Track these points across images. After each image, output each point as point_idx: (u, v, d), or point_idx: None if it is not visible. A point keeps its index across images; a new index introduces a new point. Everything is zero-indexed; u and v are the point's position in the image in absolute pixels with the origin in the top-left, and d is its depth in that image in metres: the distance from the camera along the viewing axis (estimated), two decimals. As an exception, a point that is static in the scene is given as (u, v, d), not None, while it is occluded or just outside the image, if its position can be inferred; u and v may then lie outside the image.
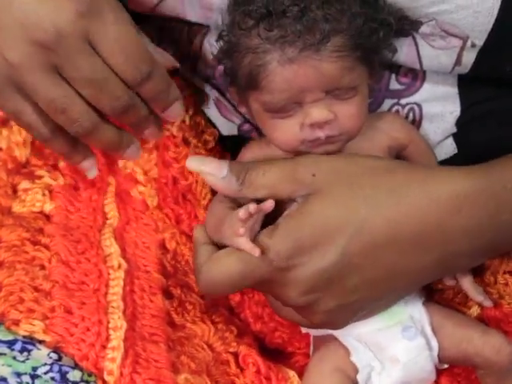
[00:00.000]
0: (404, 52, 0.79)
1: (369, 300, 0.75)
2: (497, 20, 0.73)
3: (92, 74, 0.74)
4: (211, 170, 0.74)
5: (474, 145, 0.83)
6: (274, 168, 0.74)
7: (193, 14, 0.84)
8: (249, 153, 0.80)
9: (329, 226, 0.71)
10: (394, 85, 0.82)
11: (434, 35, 0.76)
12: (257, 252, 0.70)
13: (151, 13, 0.86)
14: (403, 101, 0.83)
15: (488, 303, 0.82)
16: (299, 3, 0.70)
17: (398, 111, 0.83)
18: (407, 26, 0.77)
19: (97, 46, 0.74)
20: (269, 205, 0.71)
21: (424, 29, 0.76)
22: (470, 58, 0.77)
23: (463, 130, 0.83)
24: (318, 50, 0.71)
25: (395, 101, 0.83)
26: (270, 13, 0.71)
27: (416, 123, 0.83)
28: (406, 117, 0.83)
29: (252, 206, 0.70)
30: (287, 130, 0.74)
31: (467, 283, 0.82)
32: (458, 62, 0.78)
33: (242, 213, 0.69)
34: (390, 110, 0.83)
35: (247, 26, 0.73)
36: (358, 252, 0.71)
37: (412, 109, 0.83)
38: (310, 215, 0.71)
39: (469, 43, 0.76)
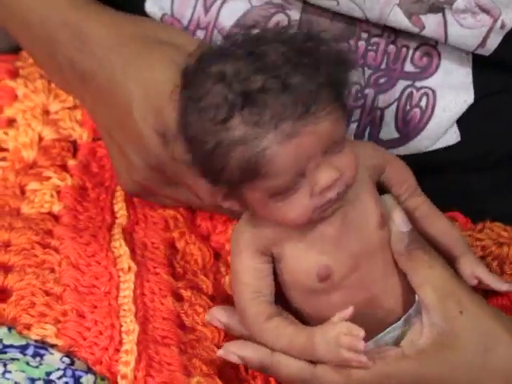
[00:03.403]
0: (432, 29, 0.78)
1: None
2: None
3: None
4: None
5: (478, 134, 0.83)
6: None
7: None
8: (244, 235, 0.74)
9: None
10: (409, 67, 0.82)
11: (466, 12, 0.76)
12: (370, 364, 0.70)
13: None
14: (418, 84, 0.82)
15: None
16: (274, 74, 0.65)
17: (411, 94, 0.82)
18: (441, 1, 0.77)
19: None
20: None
21: (459, 3, 0.76)
22: (495, 40, 0.78)
23: (470, 119, 0.83)
24: (312, 114, 0.66)
25: (410, 82, 0.82)
26: (248, 94, 0.65)
27: (428, 110, 0.82)
28: (419, 100, 0.82)
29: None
30: (296, 206, 0.69)
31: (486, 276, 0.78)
32: (483, 43, 0.78)
33: (362, 332, 0.68)
34: (403, 92, 0.82)
35: (222, 118, 0.65)
36: None
37: (426, 93, 0.82)
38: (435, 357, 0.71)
39: (498, 23, 0.76)
